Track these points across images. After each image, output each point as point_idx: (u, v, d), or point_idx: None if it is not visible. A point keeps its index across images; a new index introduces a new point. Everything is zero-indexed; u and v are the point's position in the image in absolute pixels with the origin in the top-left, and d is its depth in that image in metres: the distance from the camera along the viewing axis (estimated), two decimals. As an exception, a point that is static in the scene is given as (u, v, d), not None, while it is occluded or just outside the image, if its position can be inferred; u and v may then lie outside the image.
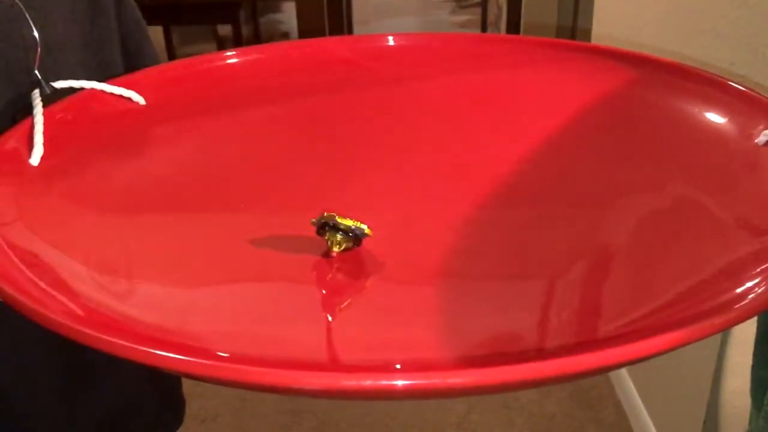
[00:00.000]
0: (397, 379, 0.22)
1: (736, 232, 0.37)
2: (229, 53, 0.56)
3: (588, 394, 1.24)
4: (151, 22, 0.67)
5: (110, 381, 0.64)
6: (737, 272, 0.32)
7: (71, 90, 0.49)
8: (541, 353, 0.30)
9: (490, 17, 2.66)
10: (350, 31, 2.56)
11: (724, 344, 0.73)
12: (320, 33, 2.27)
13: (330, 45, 0.59)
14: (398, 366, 0.28)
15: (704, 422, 0.77)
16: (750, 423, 0.52)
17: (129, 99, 0.50)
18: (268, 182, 0.46)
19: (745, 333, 0.59)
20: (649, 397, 1.13)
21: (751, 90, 0.45)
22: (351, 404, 1.23)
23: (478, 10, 2.83)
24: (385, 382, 0.22)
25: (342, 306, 0.34)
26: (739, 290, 0.30)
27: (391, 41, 0.58)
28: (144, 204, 0.43)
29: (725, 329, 0.26)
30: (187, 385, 0.76)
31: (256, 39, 2.72)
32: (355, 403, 1.23)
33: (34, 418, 0.58)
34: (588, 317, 0.33)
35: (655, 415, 1.10)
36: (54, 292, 0.31)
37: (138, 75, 0.53)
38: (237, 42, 2.35)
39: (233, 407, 1.23)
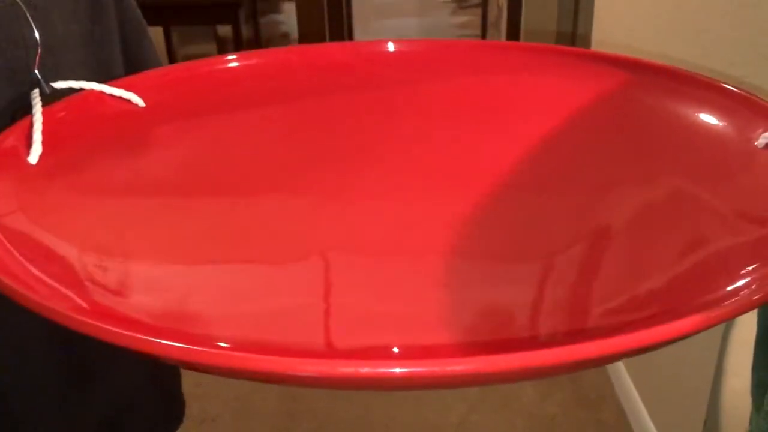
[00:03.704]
0: (395, 367, 0.22)
1: (735, 223, 0.38)
2: (229, 57, 0.56)
3: (588, 395, 1.24)
4: (151, 22, 0.67)
5: (109, 381, 0.64)
6: (737, 261, 0.32)
7: (71, 90, 0.49)
8: (543, 340, 0.30)
9: (491, 18, 2.66)
10: (350, 32, 2.56)
11: (724, 344, 0.73)
12: (320, 34, 2.28)
13: (330, 50, 0.60)
14: (395, 350, 0.28)
15: (704, 422, 0.77)
16: (750, 423, 0.52)
17: (128, 100, 0.50)
18: (267, 182, 0.47)
19: (746, 333, 0.59)
20: (649, 397, 1.13)
21: (749, 93, 0.45)
22: (350, 405, 1.23)
23: (479, 10, 2.84)
24: (382, 370, 0.22)
25: (340, 290, 0.35)
26: (741, 282, 0.30)
27: (391, 47, 0.59)
28: (142, 197, 0.44)
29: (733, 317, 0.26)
30: (186, 386, 0.76)
31: (256, 39, 2.72)
32: (354, 403, 1.23)
33: (32, 419, 0.58)
34: (587, 302, 0.33)
35: (655, 415, 1.10)
36: (56, 284, 0.31)
37: (138, 77, 0.53)
38: (237, 42, 2.35)
39: (233, 408, 1.23)
